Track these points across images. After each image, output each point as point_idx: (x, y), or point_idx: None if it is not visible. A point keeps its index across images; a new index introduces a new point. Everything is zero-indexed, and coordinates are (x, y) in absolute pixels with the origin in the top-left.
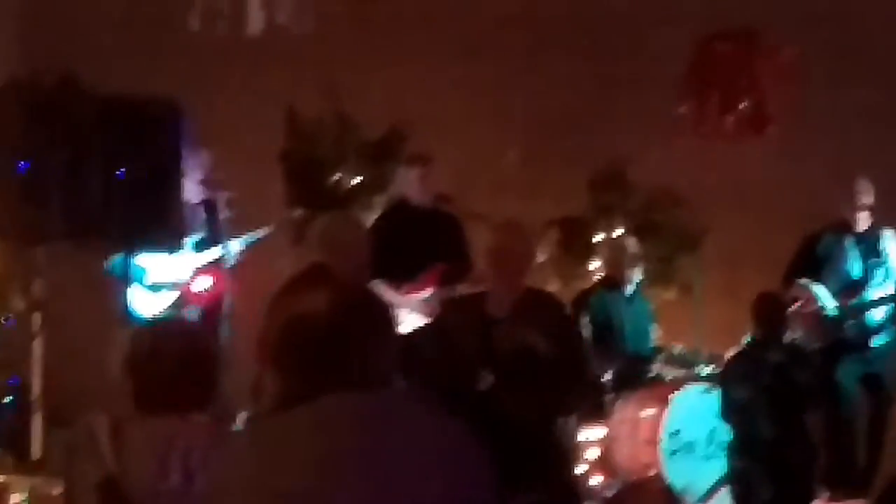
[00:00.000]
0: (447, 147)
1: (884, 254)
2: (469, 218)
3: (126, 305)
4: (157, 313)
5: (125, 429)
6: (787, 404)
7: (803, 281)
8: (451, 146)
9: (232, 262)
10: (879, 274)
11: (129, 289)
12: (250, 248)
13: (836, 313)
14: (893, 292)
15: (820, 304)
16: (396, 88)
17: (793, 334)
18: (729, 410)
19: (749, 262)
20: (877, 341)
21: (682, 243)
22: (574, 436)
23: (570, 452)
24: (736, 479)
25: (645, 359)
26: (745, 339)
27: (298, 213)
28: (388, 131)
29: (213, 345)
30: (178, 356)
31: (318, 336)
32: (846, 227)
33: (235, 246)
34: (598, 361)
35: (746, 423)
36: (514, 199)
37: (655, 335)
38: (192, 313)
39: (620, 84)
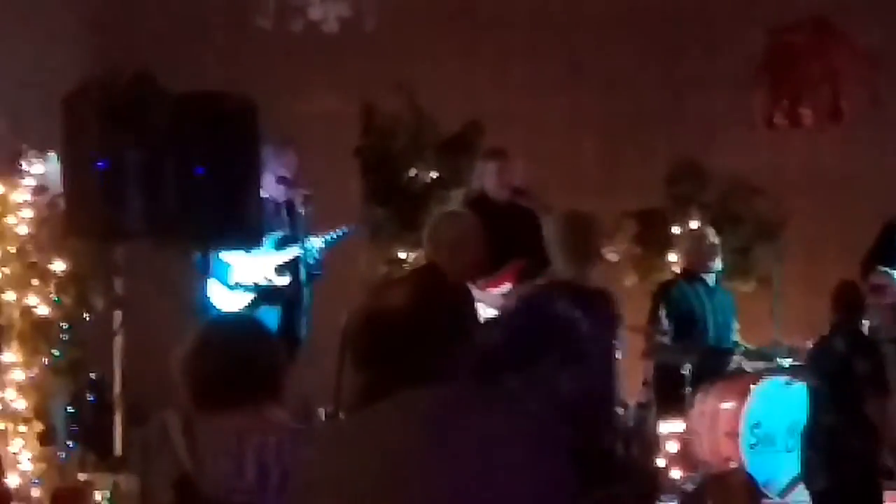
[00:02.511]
0: (523, 142)
1: None
2: (546, 212)
3: (205, 302)
4: (232, 310)
5: (198, 425)
6: (847, 393)
7: (882, 269)
8: (527, 141)
9: (311, 259)
10: None
11: (208, 285)
12: (329, 246)
13: None
14: None
15: None
16: (472, 84)
17: (870, 323)
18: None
19: (828, 251)
20: None
21: (761, 234)
22: (654, 428)
23: (651, 445)
24: (802, 468)
25: (726, 351)
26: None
27: (377, 209)
28: (465, 126)
29: (274, 340)
30: (232, 352)
31: (394, 330)
32: None
33: (314, 244)
34: (679, 354)
35: (812, 412)
36: (590, 193)
37: (736, 327)
38: (271, 311)
39: (694, 79)
